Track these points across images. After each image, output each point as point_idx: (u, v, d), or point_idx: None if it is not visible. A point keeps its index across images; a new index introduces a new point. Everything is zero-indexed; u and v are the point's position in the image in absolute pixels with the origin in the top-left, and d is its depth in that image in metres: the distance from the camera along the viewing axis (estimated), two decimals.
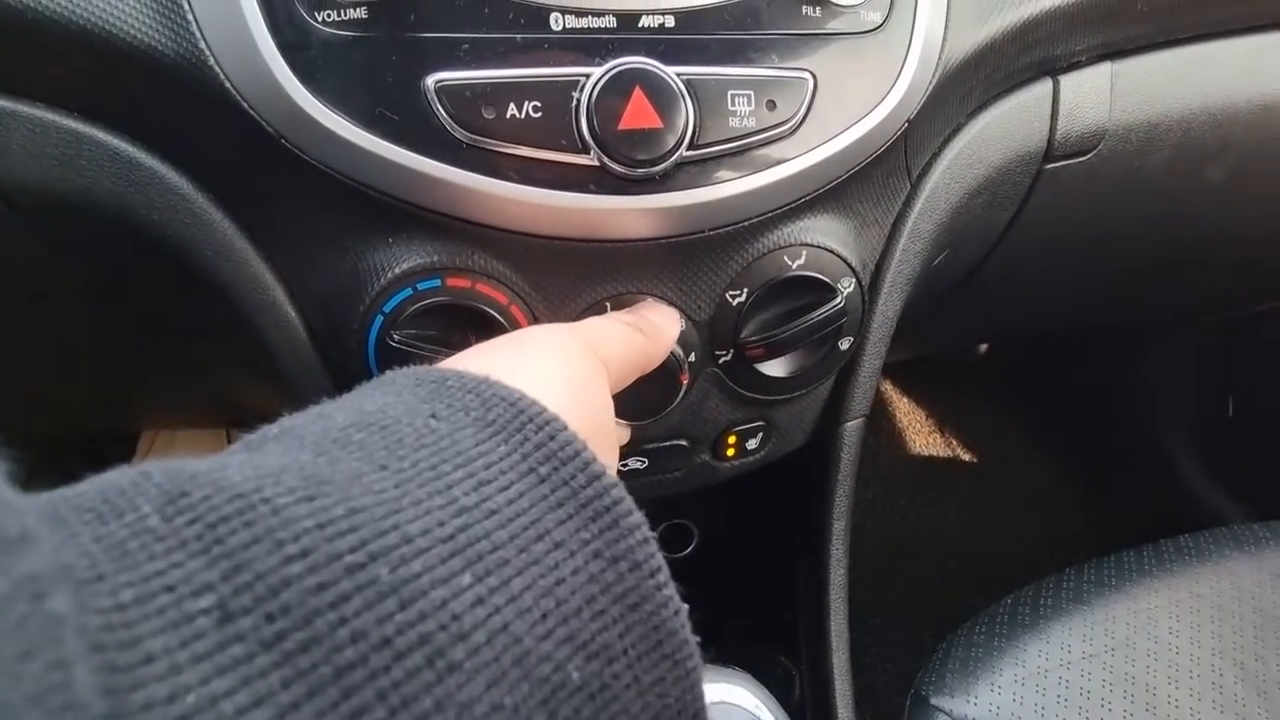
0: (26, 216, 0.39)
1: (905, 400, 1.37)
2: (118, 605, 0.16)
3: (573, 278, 0.41)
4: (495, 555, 0.20)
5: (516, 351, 0.30)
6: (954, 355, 1.39)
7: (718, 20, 0.38)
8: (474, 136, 0.36)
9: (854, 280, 0.45)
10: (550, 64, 0.36)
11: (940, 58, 0.42)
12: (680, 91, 0.37)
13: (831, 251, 0.44)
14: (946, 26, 0.42)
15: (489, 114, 0.36)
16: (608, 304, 0.42)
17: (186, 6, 0.35)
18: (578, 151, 0.36)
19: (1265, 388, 1.09)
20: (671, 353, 0.42)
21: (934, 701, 0.58)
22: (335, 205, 0.38)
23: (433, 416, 0.23)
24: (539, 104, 0.36)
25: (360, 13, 0.35)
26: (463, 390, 0.25)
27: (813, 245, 0.44)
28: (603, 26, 0.37)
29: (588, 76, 0.36)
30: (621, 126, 0.36)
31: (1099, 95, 0.51)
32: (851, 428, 0.55)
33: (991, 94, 0.48)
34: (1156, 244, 0.70)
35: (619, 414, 0.41)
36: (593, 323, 0.38)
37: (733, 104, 0.38)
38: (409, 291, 0.39)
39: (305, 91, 0.35)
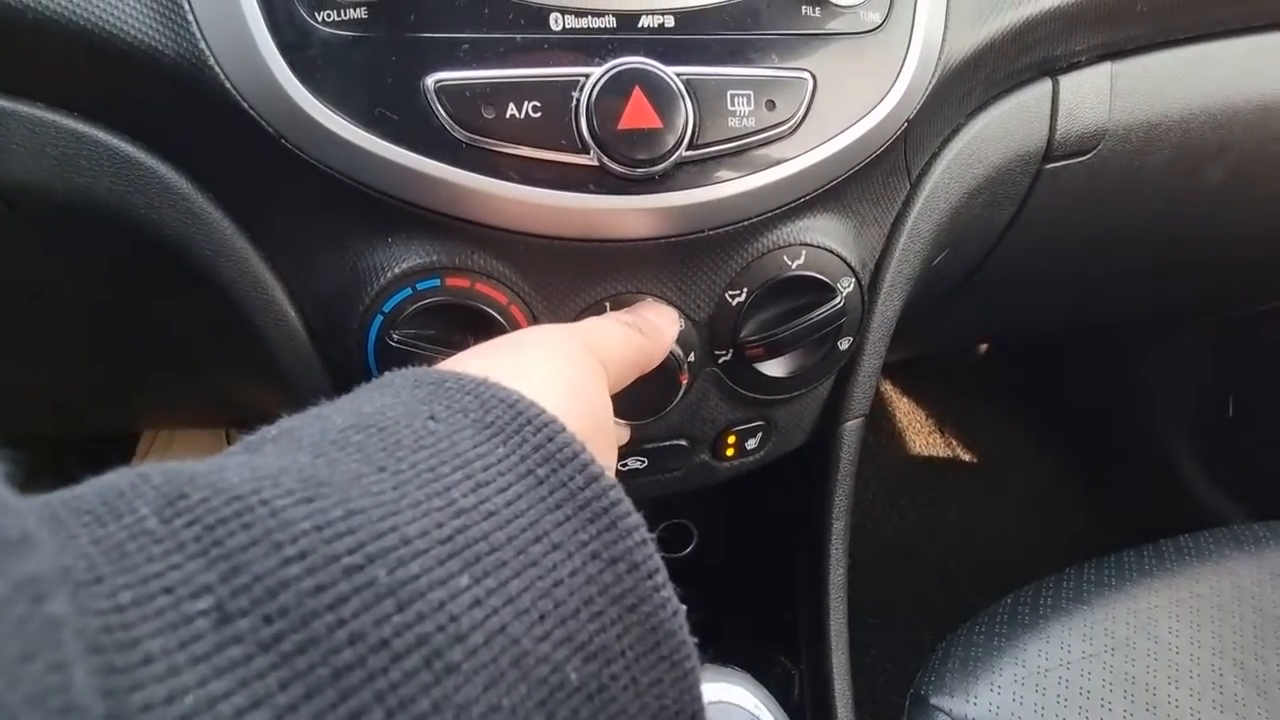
0: (26, 216, 0.39)
1: (905, 400, 1.37)
2: (116, 607, 0.16)
3: (572, 278, 0.41)
4: (493, 557, 0.20)
5: (515, 352, 0.30)
6: (954, 355, 1.39)
7: (717, 20, 0.38)
8: (474, 136, 0.36)
9: (854, 280, 0.45)
10: (550, 64, 0.36)
11: (940, 58, 0.42)
12: (680, 91, 0.37)
13: (831, 251, 0.44)
14: (946, 26, 0.42)
15: (489, 114, 0.36)
16: (607, 304, 0.42)
17: (186, 7, 0.35)
18: (577, 151, 0.36)
19: (1265, 388, 1.09)
20: (671, 353, 0.42)
21: (934, 701, 0.58)
22: (335, 205, 0.38)
23: (431, 418, 0.23)
24: (539, 104, 0.36)
25: (360, 13, 0.35)
26: (461, 392, 0.25)
27: (812, 245, 0.44)
28: (602, 26, 0.37)
29: (587, 76, 0.36)
30: (621, 126, 0.36)
31: (1099, 95, 0.51)
32: (851, 427, 0.55)
33: (991, 94, 0.48)
34: (1156, 244, 0.70)
35: (618, 414, 0.41)
36: (592, 323, 0.38)
37: (732, 104, 0.38)
38: (408, 291, 0.39)
39: (305, 91, 0.35)
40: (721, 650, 0.62)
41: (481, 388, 0.25)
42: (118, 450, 1.02)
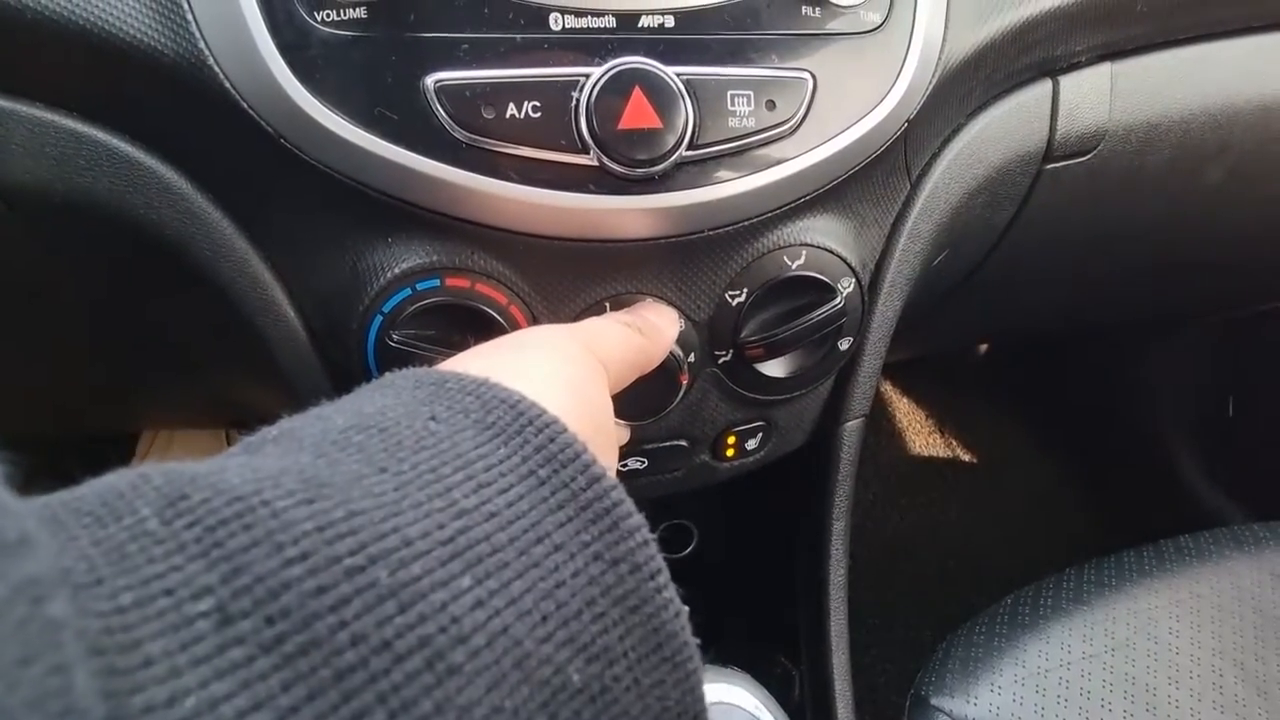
0: (26, 216, 0.39)
1: (905, 400, 1.37)
2: (117, 609, 0.16)
3: (572, 278, 0.41)
4: (495, 558, 0.20)
5: (516, 353, 0.30)
6: (954, 355, 1.39)
7: (717, 20, 0.38)
8: (473, 136, 0.36)
9: (854, 280, 0.45)
10: (550, 64, 0.36)
11: (940, 58, 0.42)
12: (680, 91, 0.37)
13: (831, 251, 0.44)
14: (946, 27, 0.42)
15: (488, 114, 0.36)
16: (607, 304, 0.42)
17: (186, 6, 0.35)
18: (577, 151, 0.36)
19: (1265, 388, 1.09)
20: (671, 353, 0.42)
21: (934, 702, 0.58)
22: (335, 205, 0.38)
23: (432, 419, 0.23)
24: (538, 104, 0.36)
25: (360, 12, 0.35)
26: (462, 392, 0.25)
27: (812, 245, 0.44)
28: (602, 26, 0.37)
29: (587, 76, 0.36)
30: (621, 126, 0.36)
31: (1099, 96, 0.51)
32: (851, 428, 0.55)
33: (991, 94, 0.48)
34: (1157, 244, 0.70)
35: (618, 414, 0.41)
36: (592, 323, 0.38)
37: (732, 104, 0.38)
38: (408, 291, 0.39)
39: (305, 91, 0.35)
40: (722, 651, 0.62)
41: (482, 388, 0.25)
42: (117, 450, 1.02)
